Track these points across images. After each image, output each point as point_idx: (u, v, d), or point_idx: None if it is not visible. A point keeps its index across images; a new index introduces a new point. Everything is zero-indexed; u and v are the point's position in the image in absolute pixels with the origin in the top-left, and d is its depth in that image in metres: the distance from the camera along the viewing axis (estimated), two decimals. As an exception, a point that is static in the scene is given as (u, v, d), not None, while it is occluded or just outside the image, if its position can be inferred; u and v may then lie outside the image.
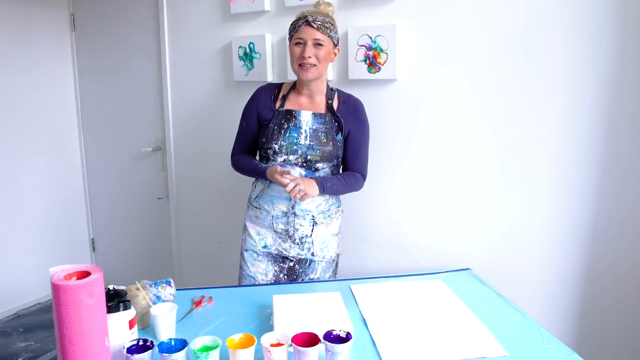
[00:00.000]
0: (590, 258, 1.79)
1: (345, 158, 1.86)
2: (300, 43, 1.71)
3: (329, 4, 1.81)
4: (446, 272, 1.86)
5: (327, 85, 1.84)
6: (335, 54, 1.79)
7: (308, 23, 1.68)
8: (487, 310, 1.53)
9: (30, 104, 3.08)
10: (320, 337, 1.19)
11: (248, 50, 2.36)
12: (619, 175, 1.70)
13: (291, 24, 1.75)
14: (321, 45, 1.70)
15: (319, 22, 1.69)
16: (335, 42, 1.76)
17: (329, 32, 1.71)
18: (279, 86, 1.87)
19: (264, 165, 1.79)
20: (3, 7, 2.88)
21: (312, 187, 1.68)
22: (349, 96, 1.86)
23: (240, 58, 2.40)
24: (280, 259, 1.87)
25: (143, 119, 2.98)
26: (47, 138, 3.19)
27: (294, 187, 1.63)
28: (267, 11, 2.29)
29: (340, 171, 1.89)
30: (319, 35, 1.69)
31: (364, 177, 1.88)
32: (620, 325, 1.77)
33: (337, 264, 1.93)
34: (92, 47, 3.16)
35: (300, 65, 1.71)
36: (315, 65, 1.71)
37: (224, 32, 2.47)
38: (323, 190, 1.72)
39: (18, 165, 3.05)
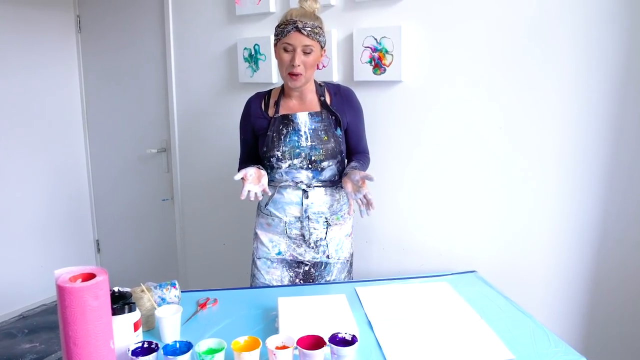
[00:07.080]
0: (598, 260, 1.78)
1: (350, 146, 1.84)
2: (288, 50, 1.67)
3: (315, 1, 1.73)
4: (452, 274, 1.85)
5: (315, 82, 1.81)
6: (322, 56, 1.76)
7: (298, 30, 1.64)
8: (493, 313, 1.52)
9: (36, 105, 3.09)
10: (326, 339, 1.18)
11: (253, 52, 2.36)
12: (626, 176, 1.69)
13: (279, 27, 1.68)
14: (310, 52, 1.67)
15: (309, 29, 1.64)
16: (323, 45, 1.72)
17: (318, 37, 1.67)
18: (267, 93, 1.84)
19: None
20: (9, 8, 2.90)
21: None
22: (338, 87, 1.84)
23: (245, 60, 2.39)
24: (295, 264, 1.85)
25: (148, 120, 2.99)
26: (53, 139, 3.20)
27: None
28: (273, 13, 2.29)
29: (345, 162, 1.85)
30: (308, 41, 1.65)
31: (368, 154, 1.90)
32: (628, 328, 1.76)
33: (351, 264, 1.92)
34: (98, 49, 3.17)
35: (289, 73, 1.68)
36: (302, 74, 1.68)
37: (229, 33, 2.47)
38: None
39: (23, 166, 3.07)
